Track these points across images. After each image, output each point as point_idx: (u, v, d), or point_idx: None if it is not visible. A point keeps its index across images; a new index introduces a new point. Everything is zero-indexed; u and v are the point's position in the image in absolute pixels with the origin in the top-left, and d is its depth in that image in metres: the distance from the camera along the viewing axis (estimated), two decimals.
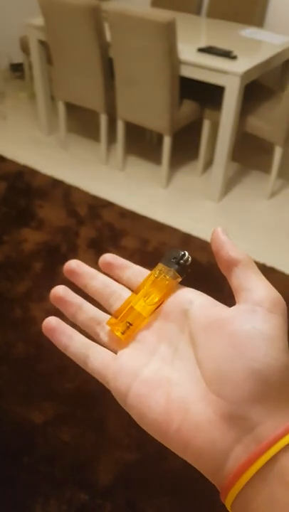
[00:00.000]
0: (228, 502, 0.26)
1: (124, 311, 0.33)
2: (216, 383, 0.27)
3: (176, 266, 0.33)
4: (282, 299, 0.29)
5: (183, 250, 0.34)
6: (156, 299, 0.33)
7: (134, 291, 0.34)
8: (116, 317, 0.33)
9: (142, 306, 0.33)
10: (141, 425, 0.29)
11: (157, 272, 0.33)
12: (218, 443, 0.26)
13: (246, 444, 0.25)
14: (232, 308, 0.29)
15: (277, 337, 0.27)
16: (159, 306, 0.33)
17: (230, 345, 0.27)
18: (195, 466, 0.27)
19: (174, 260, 0.33)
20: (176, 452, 0.28)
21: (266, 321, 0.27)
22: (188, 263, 0.34)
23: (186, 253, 0.34)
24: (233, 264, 0.30)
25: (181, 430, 0.27)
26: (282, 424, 0.25)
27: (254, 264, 0.31)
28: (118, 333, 0.32)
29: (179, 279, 0.33)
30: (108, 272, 0.36)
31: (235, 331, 0.27)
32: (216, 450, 0.26)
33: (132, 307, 0.33)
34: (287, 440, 0.24)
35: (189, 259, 0.34)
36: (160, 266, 0.34)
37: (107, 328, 0.33)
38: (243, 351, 0.26)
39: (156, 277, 0.33)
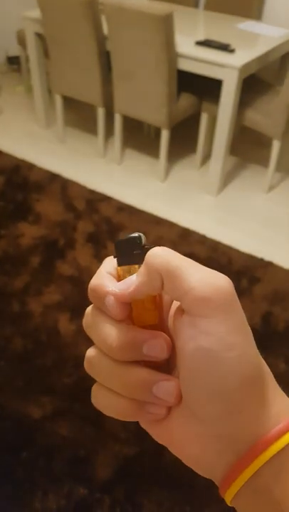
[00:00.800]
0: (227, 500, 0.26)
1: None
2: (188, 404, 0.25)
3: (143, 255, 0.26)
4: (222, 287, 0.24)
5: (131, 234, 0.27)
6: (150, 305, 0.27)
7: (133, 323, 0.27)
8: None
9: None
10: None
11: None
12: (201, 458, 0.26)
13: (228, 459, 0.25)
14: (179, 317, 0.26)
15: (227, 347, 0.24)
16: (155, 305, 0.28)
17: (185, 369, 0.25)
18: None
19: (138, 252, 0.26)
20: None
21: (208, 332, 0.24)
22: (146, 244, 0.27)
23: (139, 234, 0.27)
24: (158, 290, 0.26)
25: (170, 444, 0.27)
26: (261, 437, 0.24)
27: (171, 263, 0.25)
28: None
29: None
30: None
31: (183, 353, 0.25)
32: (201, 463, 0.26)
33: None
34: (269, 454, 0.24)
35: (144, 238, 0.27)
36: (122, 270, 0.27)
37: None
38: (196, 375, 0.24)
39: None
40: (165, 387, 0.26)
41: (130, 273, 0.27)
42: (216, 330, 0.24)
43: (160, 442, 0.28)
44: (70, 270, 2.01)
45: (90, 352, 0.28)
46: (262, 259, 2.09)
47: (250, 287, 1.93)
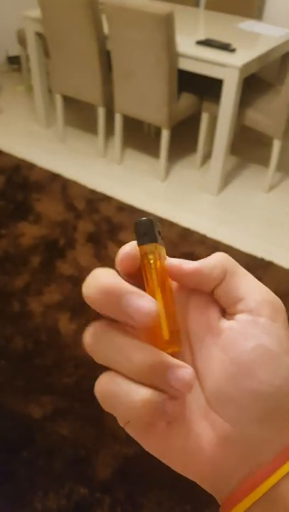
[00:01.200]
0: None
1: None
2: (218, 403, 0.24)
3: (159, 237, 0.26)
4: (280, 300, 0.26)
5: (143, 218, 0.26)
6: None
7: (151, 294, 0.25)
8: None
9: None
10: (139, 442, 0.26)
11: (152, 260, 0.25)
12: (219, 465, 0.24)
13: (251, 465, 0.24)
14: (230, 319, 0.25)
15: (286, 351, 0.24)
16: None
17: (233, 364, 0.24)
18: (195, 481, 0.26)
19: (156, 234, 0.26)
20: (174, 469, 0.26)
21: (271, 333, 0.24)
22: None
23: (150, 218, 0.26)
24: (216, 281, 0.25)
25: (181, 454, 0.25)
26: None
27: (238, 266, 0.26)
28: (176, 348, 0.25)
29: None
30: None
31: (238, 348, 0.24)
32: (217, 471, 0.24)
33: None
34: None
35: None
36: (151, 247, 0.25)
37: None
38: (250, 373, 0.23)
39: (154, 264, 0.25)
40: (183, 373, 0.23)
41: (153, 253, 0.25)
42: (279, 332, 0.24)
43: (155, 453, 0.26)
44: (71, 270, 2.01)
45: (97, 323, 0.25)
46: (262, 259, 2.09)
47: None
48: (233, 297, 0.25)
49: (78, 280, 1.95)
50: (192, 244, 2.17)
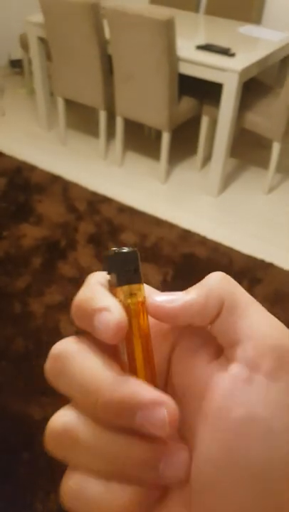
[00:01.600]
0: None
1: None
2: (199, 490, 0.18)
3: (139, 273, 0.21)
4: None
5: (122, 249, 0.20)
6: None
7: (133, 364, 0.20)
8: None
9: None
10: None
11: (133, 305, 0.20)
12: None
13: None
14: (223, 367, 0.19)
15: (286, 426, 0.18)
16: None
17: (217, 439, 0.18)
18: None
19: (135, 269, 0.20)
20: None
21: (268, 399, 0.18)
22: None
23: (134, 249, 0.21)
24: (212, 316, 0.20)
25: None
26: None
27: (239, 293, 0.21)
28: None
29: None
30: None
31: (224, 417, 0.18)
32: None
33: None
34: None
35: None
36: (122, 291, 0.20)
37: None
38: (238, 450, 0.18)
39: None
40: (179, 460, 0.18)
41: (131, 295, 0.20)
42: (279, 398, 0.18)
43: None
44: (72, 271, 2.02)
45: (64, 415, 0.21)
46: (263, 261, 2.10)
47: (251, 288, 1.94)
48: (230, 338, 0.19)
49: (79, 281, 1.95)
50: (192, 245, 2.19)
